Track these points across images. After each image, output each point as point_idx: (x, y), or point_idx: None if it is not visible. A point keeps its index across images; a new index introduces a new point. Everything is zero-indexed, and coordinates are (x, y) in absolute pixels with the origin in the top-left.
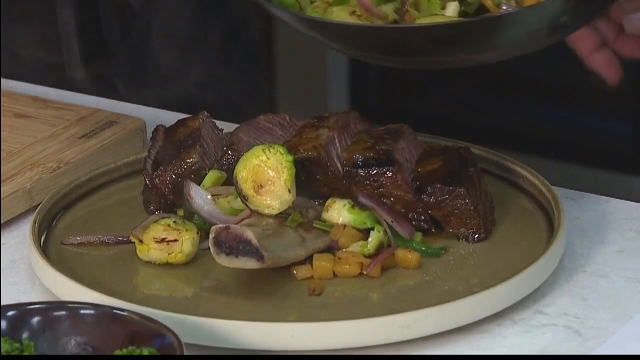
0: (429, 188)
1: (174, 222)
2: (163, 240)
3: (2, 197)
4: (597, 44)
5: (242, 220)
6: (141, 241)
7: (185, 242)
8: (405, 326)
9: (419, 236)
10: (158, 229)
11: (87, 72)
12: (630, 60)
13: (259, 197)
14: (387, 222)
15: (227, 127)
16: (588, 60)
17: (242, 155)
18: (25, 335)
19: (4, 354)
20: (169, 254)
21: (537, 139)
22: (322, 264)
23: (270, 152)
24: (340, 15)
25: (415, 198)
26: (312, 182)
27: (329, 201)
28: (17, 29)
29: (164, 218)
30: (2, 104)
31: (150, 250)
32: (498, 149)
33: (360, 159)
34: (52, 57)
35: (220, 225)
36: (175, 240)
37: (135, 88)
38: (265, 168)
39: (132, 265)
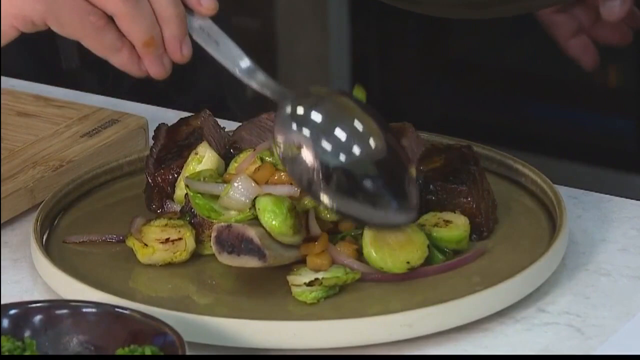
0: (431, 186)
1: (169, 220)
2: (167, 240)
3: (4, 196)
4: (573, 30)
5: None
6: (146, 245)
7: (188, 239)
8: (407, 325)
9: None
10: (155, 231)
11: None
12: (606, 46)
13: None
14: None
15: (229, 125)
16: (565, 46)
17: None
18: (27, 333)
19: (6, 352)
20: (174, 253)
21: (539, 137)
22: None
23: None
24: None
25: None
26: None
27: None
28: None
29: (152, 220)
30: (4, 102)
31: (155, 252)
32: (500, 148)
33: None
34: (53, 55)
35: (222, 224)
36: (180, 239)
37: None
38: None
39: (134, 264)
